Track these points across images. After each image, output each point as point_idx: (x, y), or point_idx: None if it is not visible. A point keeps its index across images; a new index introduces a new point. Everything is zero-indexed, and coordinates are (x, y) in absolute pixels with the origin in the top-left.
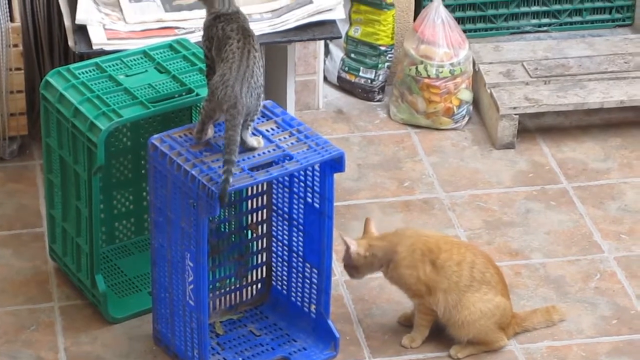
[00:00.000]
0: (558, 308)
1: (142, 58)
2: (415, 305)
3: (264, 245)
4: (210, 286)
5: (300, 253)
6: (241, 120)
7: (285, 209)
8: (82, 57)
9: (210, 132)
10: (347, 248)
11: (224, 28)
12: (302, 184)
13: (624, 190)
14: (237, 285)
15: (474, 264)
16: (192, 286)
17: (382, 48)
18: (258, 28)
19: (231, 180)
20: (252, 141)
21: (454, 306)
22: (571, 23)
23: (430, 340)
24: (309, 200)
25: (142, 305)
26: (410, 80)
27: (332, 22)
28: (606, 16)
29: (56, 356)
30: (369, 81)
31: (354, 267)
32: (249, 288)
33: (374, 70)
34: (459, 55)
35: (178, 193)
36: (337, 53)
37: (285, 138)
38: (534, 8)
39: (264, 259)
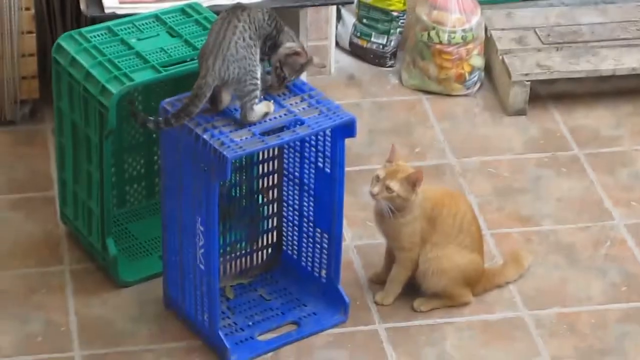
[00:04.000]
0: (523, 252)
1: (154, 22)
2: (398, 258)
3: (275, 210)
4: (221, 250)
5: (311, 218)
6: (207, 92)
7: (296, 174)
8: (93, 21)
9: (226, 100)
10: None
11: None
12: (313, 149)
13: (635, 158)
14: (248, 250)
15: (465, 215)
16: (202, 250)
17: (394, 13)
18: None
19: (153, 129)
20: (261, 108)
21: (436, 257)
22: None
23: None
24: (320, 165)
25: (153, 269)
26: (422, 46)
27: None
28: None
29: (66, 319)
30: (381, 47)
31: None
32: (260, 253)
33: (385, 36)
34: (471, 22)
35: (189, 157)
36: (349, 18)
37: (296, 103)
38: None
39: (275, 224)
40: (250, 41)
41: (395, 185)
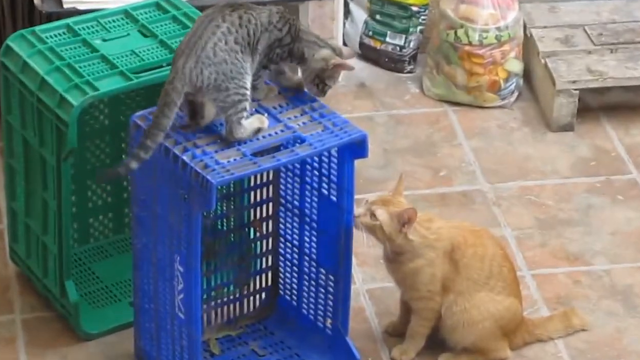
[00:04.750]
0: (578, 312)
1: (123, 19)
2: (416, 309)
3: (270, 246)
4: (205, 296)
5: (314, 256)
6: (176, 99)
7: (296, 203)
8: (50, 18)
9: (210, 113)
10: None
11: None
12: (315, 173)
13: None
14: (237, 295)
15: (495, 256)
16: (182, 295)
17: (414, 8)
18: None
19: (133, 167)
20: (252, 122)
21: (464, 309)
22: None
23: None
24: (325, 192)
25: (122, 319)
26: (447, 47)
27: None
28: None
29: None
30: (398, 48)
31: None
32: (252, 298)
33: (403, 36)
34: (507, 18)
35: (166, 183)
36: (360, 14)
37: (295, 117)
38: None
39: (270, 263)
40: (235, 46)
41: (381, 215)
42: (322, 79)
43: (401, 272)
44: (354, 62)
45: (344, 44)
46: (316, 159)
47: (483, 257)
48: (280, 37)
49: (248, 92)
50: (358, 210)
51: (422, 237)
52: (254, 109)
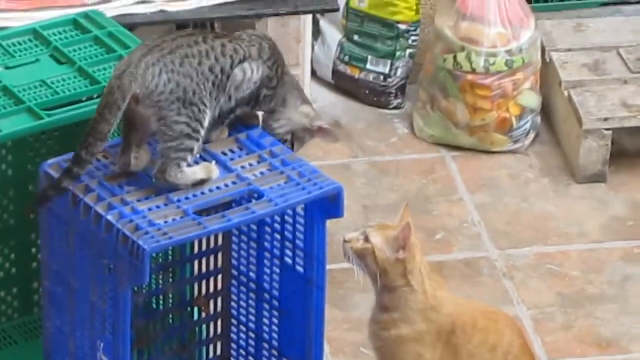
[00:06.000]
0: None
1: (31, 40)
2: None
3: (219, 330)
4: None
5: (275, 344)
6: (120, 101)
7: (252, 275)
8: None
9: (144, 156)
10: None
11: None
12: (277, 237)
13: None
14: None
15: (511, 347)
16: None
17: (402, 27)
18: None
19: (65, 185)
20: (196, 171)
21: None
22: None
23: None
24: (288, 261)
25: None
26: (445, 76)
27: None
28: None
29: None
30: (382, 78)
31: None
32: None
33: (388, 61)
34: (519, 39)
35: (86, 250)
36: (333, 34)
37: (251, 165)
38: None
39: (219, 352)
40: (209, 73)
41: (375, 237)
42: (294, 138)
43: (382, 340)
44: (327, 94)
45: (313, 72)
46: (277, 219)
47: (494, 347)
48: (271, 76)
49: (202, 133)
50: (350, 234)
51: (422, 290)
52: (198, 155)
